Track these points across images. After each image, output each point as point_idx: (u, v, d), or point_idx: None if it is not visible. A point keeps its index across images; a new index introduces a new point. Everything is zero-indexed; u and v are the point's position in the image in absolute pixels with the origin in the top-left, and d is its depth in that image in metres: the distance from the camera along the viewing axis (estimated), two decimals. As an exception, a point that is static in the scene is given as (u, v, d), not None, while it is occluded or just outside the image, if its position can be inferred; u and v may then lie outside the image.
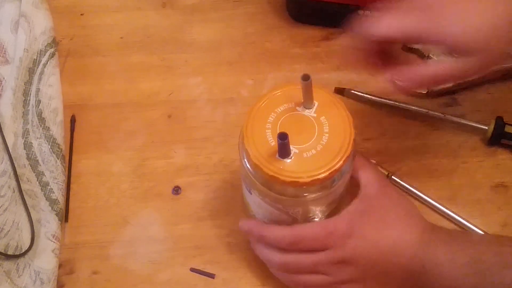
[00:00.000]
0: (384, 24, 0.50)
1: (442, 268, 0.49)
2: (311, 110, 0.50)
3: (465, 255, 0.49)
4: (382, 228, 0.51)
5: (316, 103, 0.51)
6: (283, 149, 0.48)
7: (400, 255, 0.50)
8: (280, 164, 0.48)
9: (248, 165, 0.50)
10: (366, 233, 0.51)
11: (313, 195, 0.50)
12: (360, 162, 0.54)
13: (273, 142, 0.49)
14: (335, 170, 0.48)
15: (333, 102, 0.51)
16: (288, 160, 0.48)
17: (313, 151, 0.48)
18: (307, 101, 0.50)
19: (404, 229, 0.51)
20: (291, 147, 0.48)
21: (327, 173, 0.48)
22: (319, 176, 0.48)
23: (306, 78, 0.48)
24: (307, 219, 0.55)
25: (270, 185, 0.50)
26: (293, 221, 0.54)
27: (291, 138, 0.47)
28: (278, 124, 0.50)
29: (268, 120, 0.50)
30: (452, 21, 0.48)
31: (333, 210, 0.56)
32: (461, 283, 0.48)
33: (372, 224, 0.51)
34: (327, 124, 0.50)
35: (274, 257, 0.54)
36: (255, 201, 0.54)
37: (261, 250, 0.55)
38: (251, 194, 0.53)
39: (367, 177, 0.53)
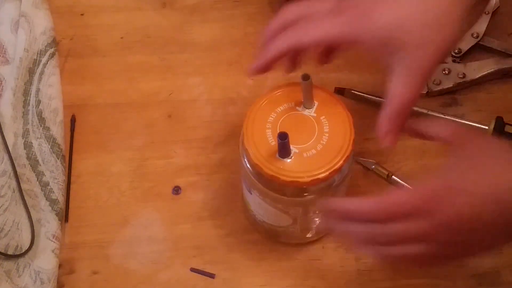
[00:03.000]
0: (316, 30, 0.49)
1: None
2: (311, 110, 0.50)
3: None
4: (481, 174, 0.46)
5: (316, 103, 0.51)
6: (283, 149, 0.48)
7: (504, 200, 0.44)
8: (280, 164, 0.48)
9: (248, 165, 0.50)
10: (466, 186, 0.45)
11: (313, 195, 0.50)
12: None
13: (273, 142, 0.49)
14: (335, 170, 0.48)
15: (333, 102, 0.51)
16: (288, 160, 0.48)
17: (313, 151, 0.48)
18: (307, 101, 0.50)
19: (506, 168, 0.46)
20: (291, 147, 0.48)
21: (327, 173, 0.48)
22: (319, 176, 0.48)
23: (306, 78, 0.48)
24: (308, 219, 0.55)
25: (270, 185, 0.50)
26: (293, 221, 0.54)
27: (291, 138, 0.47)
28: (278, 124, 0.50)
29: (268, 120, 0.50)
30: (383, 13, 0.47)
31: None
32: None
33: (470, 174, 0.46)
34: (327, 124, 0.50)
35: (367, 229, 0.46)
36: (255, 201, 0.54)
37: (349, 226, 0.47)
38: (251, 194, 0.53)
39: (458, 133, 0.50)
